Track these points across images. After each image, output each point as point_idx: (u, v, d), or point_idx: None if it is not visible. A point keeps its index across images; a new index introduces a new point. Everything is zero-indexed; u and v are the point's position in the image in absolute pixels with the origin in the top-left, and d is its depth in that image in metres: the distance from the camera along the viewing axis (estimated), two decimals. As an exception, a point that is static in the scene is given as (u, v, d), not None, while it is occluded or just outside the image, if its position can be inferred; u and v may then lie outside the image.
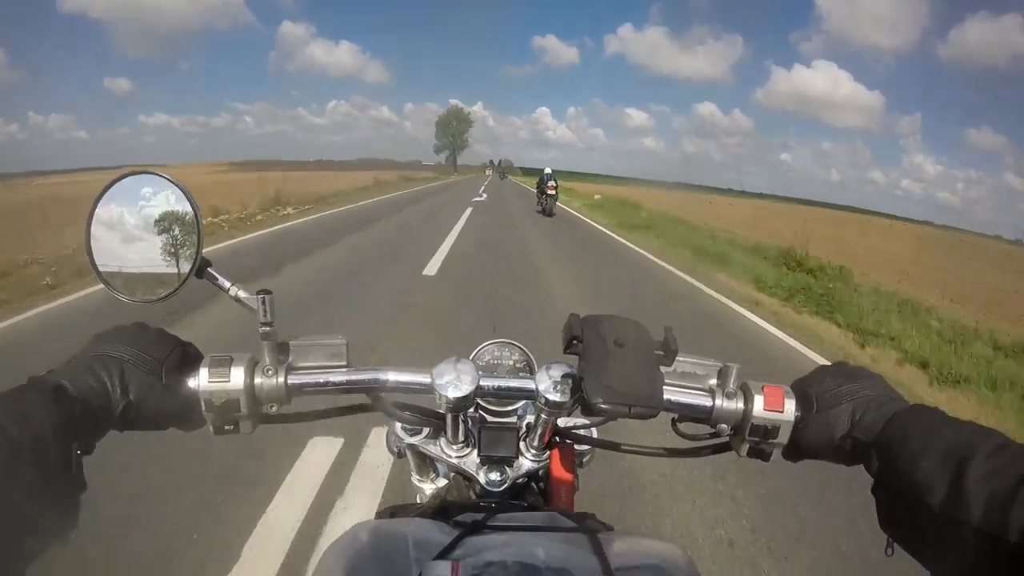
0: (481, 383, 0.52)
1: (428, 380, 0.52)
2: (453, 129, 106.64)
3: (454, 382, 0.51)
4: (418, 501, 0.74)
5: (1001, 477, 0.36)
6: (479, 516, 0.55)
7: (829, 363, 0.54)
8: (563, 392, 0.51)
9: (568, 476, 0.64)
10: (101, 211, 0.53)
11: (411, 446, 0.68)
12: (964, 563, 0.36)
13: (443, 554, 0.48)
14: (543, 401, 0.52)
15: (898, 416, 0.45)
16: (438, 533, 0.52)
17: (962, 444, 0.39)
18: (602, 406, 0.45)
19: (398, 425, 0.68)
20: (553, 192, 15.85)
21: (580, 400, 0.48)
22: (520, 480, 0.66)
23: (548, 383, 0.52)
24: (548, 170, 16.44)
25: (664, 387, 0.49)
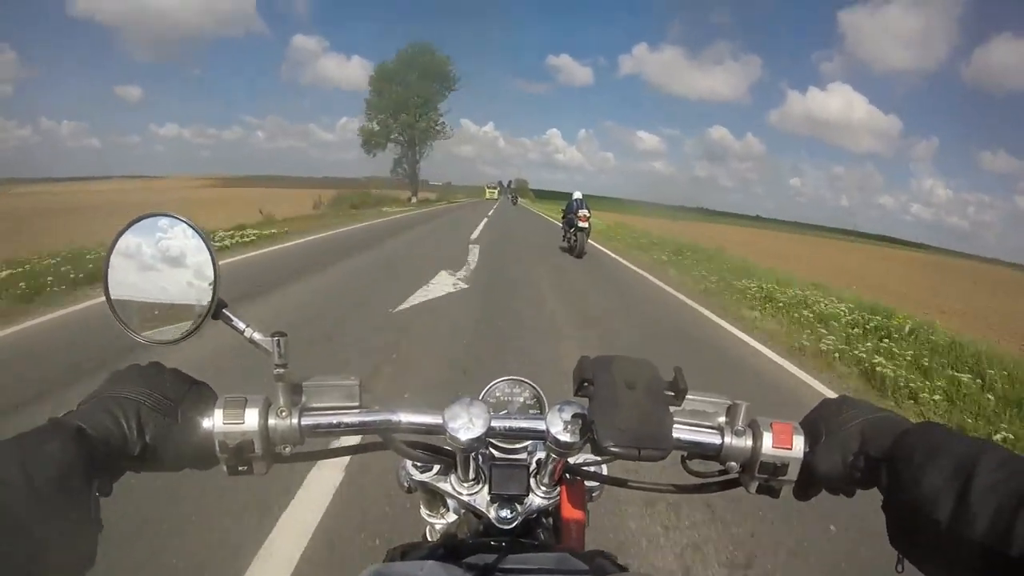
0: (492, 424, 0.54)
1: (439, 421, 0.53)
2: (413, 91, 47.20)
3: (465, 423, 0.53)
4: (427, 536, 0.74)
5: (1005, 491, 0.37)
6: (490, 557, 0.56)
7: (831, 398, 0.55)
8: (573, 433, 0.52)
9: (578, 513, 0.65)
10: (118, 253, 0.55)
11: (421, 483, 0.69)
12: None
13: None
14: (553, 442, 0.53)
15: (907, 433, 0.46)
16: None
17: (967, 458, 0.40)
18: (612, 449, 0.46)
19: (408, 463, 0.69)
20: (586, 224, 11.94)
21: (591, 442, 0.49)
22: (531, 517, 0.67)
23: (559, 424, 0.53)
24: (578, 194, 12.73)
25: (674, 426, 0.50)
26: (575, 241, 12.29)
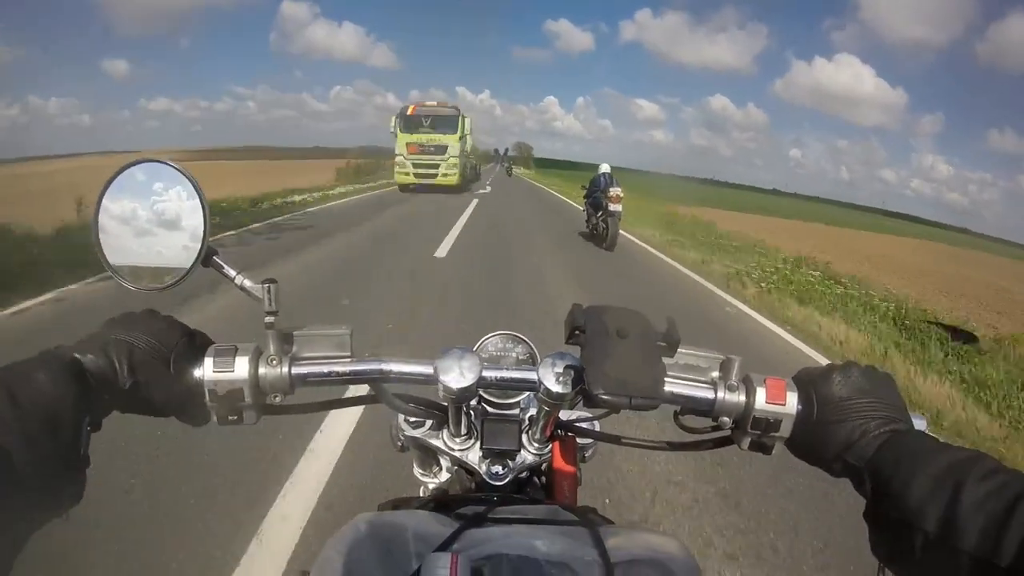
0: (483, 374, 0.55)
1: (431, 371, 0.54)
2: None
3: (457, 373, 0.54)
4: (422, 495, 0.76)
5: (994, 502, 0.37)
6: (480, 509, 0.57)
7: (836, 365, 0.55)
8: (565, 383, 0.53)
9: (570, 470, 0.67)
10: (108, 199, 0.56)
11: (414, 439, 0.71)
12: None
13: (443, 546, 0.50)
14: (545, 392, 0.54)
15: (892, 440, 0.47)
16: (439, 526, 0.54)
17: (954, 469, 0.41)
18: (603, 396, 0.47)
19: (401, 418, 0.71)
20: (618, 207, 9.35)
21: (582, 391, 0.51)
22: (522, 474, 0.69)
23: (550, 374, 0.54)
24: (605, 168, 10.25)
25: (666, 379, 0.52)
26: (604, 228, 9.63)
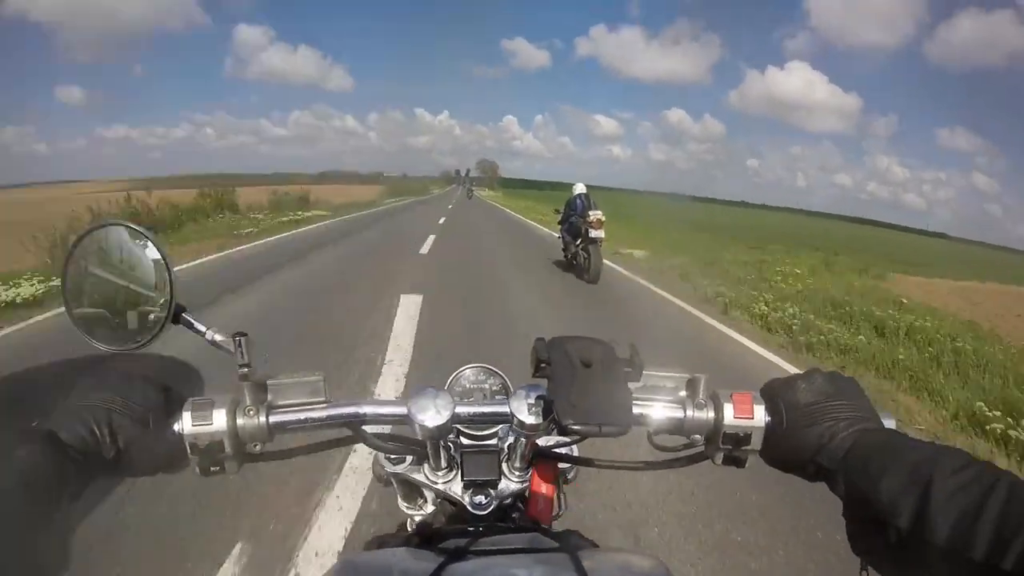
0: (457, 410, 0.56)
1: (404, 411, 0.55)
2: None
3: (432, 411, 0.55)
4: (408, 528, 0.77)
5: (965, 495, 0.38)
6: (463, 542, 0.59)
7: (800, 372, 0.56)
8: (537, 414, 0.55)
9: (549, 494, 0.68)
10: (74, 264, 0.58)
11: (396, 475, 0.72)
12: None
13: None
14: (518, 424, 0.56)
15: (860, 441, 0.48)
16: (421, 562, 0.55)
17: (924, 464, 0.41)
18: (573, 427, 0.49)
19: (382, 456, 0.71)
20: (600, 233, 8.20)
21: (554, 421, 0.52)
22: (506, 501, 0.71)
23: (522, 406, 0.55)
24: (580, 188, 9.15)
25: (634, 402, 0.54)
26: (585, 258, 8.38)
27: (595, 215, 8.20)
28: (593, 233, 8.15)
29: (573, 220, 8.85)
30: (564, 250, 9.46)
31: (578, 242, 8.68)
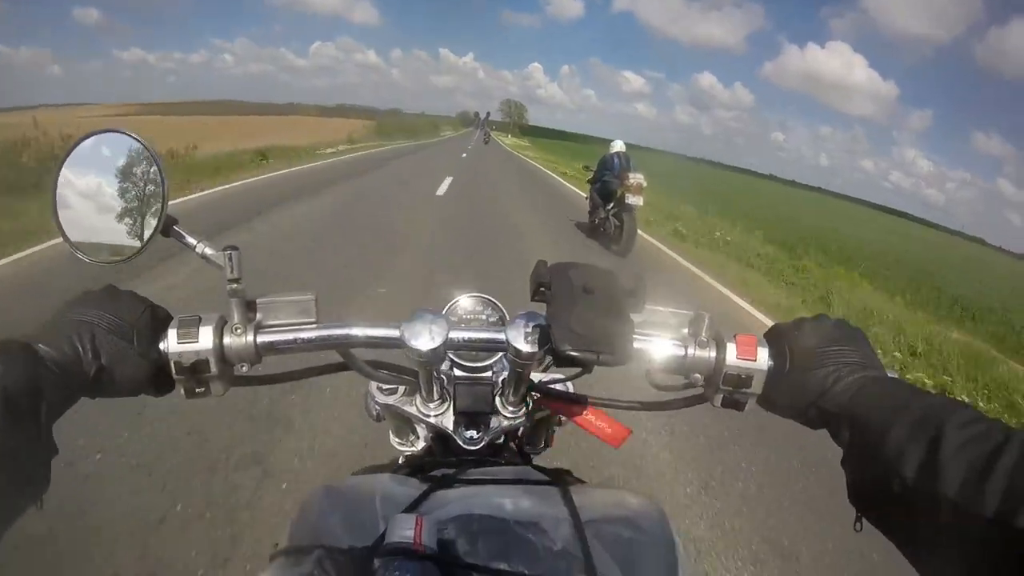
0: (451, 335, 0.55)
1: (398, 334, 0.55)
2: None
3: (426, 336, 0.54)
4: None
5: (976, 449, 0.38)
6: (450, 471, 0.59)
7: (808, 316, 0.56)
8: (533, 343, 0.54)
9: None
10: (66, 172, 0.56)
11: (387, 406, 0.72)
12: (937, 537, 0.39)
13: (409, 509, 0.52)
14: (514, 352, 0.55)
15: (868, 386, 0.47)
16: (406, 489, 0.56)
17: (933, 416, 0.41)
18: (570, 353, 0.48)
19: (374, 386, 0.72)
20: (638, 199, 7.27)
21: (550, 350, 0.51)
22: (498, 439, 0.71)
23: (519, 334, 0.54)
24: (619, 145, 8.29)
25: (635, 336, 0.53)
26: (616, 226, 7.50)
27: (635, 178, 7.25)
28: (630, 199, 7.25)
29: (607, 180, 7.94)
30: (591, 213, 8.53)
31: (609, 206, 7.79)
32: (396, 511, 0.50)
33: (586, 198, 8.92)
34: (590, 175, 8.81)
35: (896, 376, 0.49)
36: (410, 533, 0.44)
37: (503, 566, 0.46)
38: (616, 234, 7.57)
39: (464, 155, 27.31)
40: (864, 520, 0.46)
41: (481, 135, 48.05)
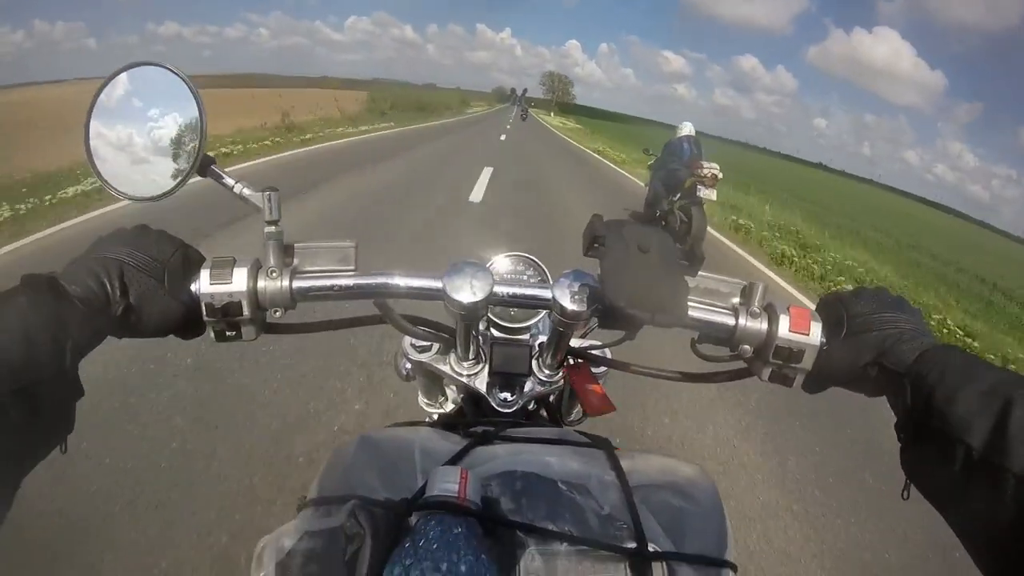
0: (495, 290, 0.54)
1: (439, 285, 0.53)
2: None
3: (467, 289, 0.52)
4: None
5: None
6: (490, 429, 0.57)
7: (868, 287, 0.55)
8: (581, 302, 0.52)
9: (580, 397, 0.66)
10: (101, 104, 0.55)
11: (420, 364, 0.71)
12: (996, 509, 0.37)
13: (451, 462, 0.50)
14: (560, 311, 0.53)
15: (932, 351, 0.46)
16: (447, 443, 0.54)
17: (1002, 387, 0.40)
18: (626, 310, 0.46)
19: (407, 342, 0.70)
20: (711, 192, 6.30)
21: (598, 311, 0.50)
22: (530, 404, 0.69)
23: (566, 292, 0.53)
24: (688, 128, 7.36)
25: (687, 301, 0.51)
26: (683, 221, 6.53)
27: (710, 168, 6.19)
28: (703, 192, 6.25)
29: (674, 168, 6.89)
30: (650, 205, 7.44)
31: (675, 197, 6.76)
32: (436, 464, 0.49)
33: (645, 186, 8.04)
34: (651, 160, 7.92)
35: (957, 346, 0.48)
36: (454, 487, 0.42)
37: (549, 526, 0.45)
38: (683, 230, 6.48)
39: (496, 146, 19.70)
40: (913, 488, 0.45)
41: (519, 112, 44.64)
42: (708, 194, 6.22)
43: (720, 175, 6.22)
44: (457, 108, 48.14)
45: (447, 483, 0.43)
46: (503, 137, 21.78)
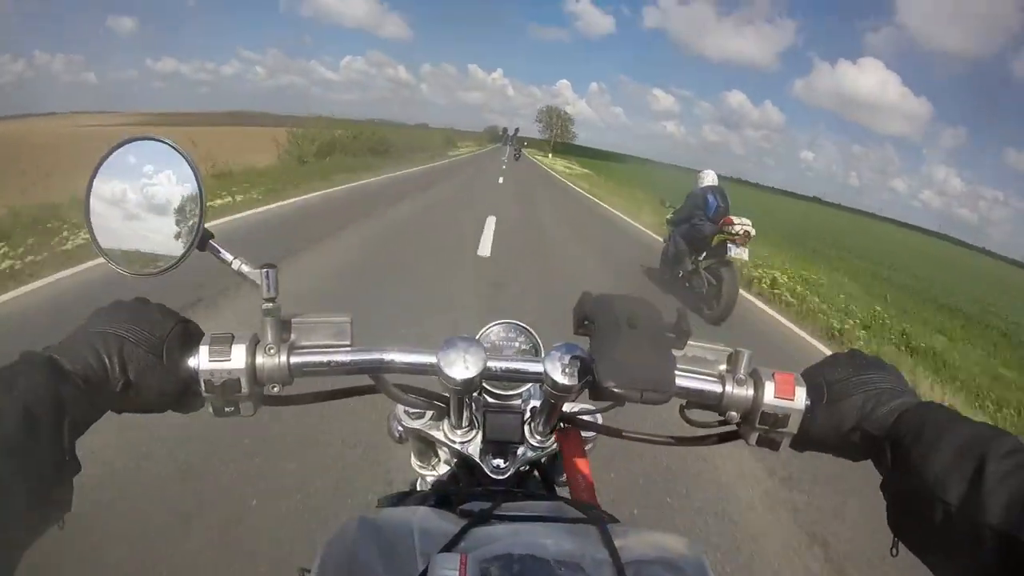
0: (488, 364, 0.55)
1: (434, 361, 0.54)
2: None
3: (461, 364, 0.54)
4: (418, 488, 0.76)
5: (1019, 478, 0.38)
6: (484, 505, 0.58)
7: (842, 352, 0.57)
8: (571, 375, 0.53)
9: (582, 463, 0.67)
10: (100, 179, 0.56)
11: (413, 430, 0.72)
12: (977, 564, 0.38)
13: (449, 545, 0.50)
14: (551, 384, 0.54)
15: (910, 411, 0.47)
16: (444, 523, 0.54)
17: (977, 443, 0.41)
18: (615, 390, 0.47)
19: (400, 409, 0.71)
20: (743, 252, 5.68)
21: (588, 384, 0.50)
22: (524, 468, 0.70)
23: (556, 365, 0.54)
24: (711, 177, 6.48)
25: (676, 373, 0.52)
26: (712, 283, 5.87)
27: (741, 224, 5.57)
28: (734, 251, 5.60)
29: (698, 224, 6.17)
30: (671, 264, 6.71)
31: (701, 257, 6.16)
32: (434, 547, 0.49)
33: (664, 242, 7.19)
34: (670, 213, 7.13)
35: (936, 402, 0.49)
36: (455, 574, 0.42)
37: None
38: (711, 294, 5.84)
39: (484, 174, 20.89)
40: (901, 546, 0.46)
41: (511, 152, 43.83)
42: (740, 253, 5.63)
43: (753, 232, 5.62)
44: (437, 150, 37.65)
45: (447, 570, 0.43)
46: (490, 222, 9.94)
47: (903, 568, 0.58)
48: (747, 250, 5.70)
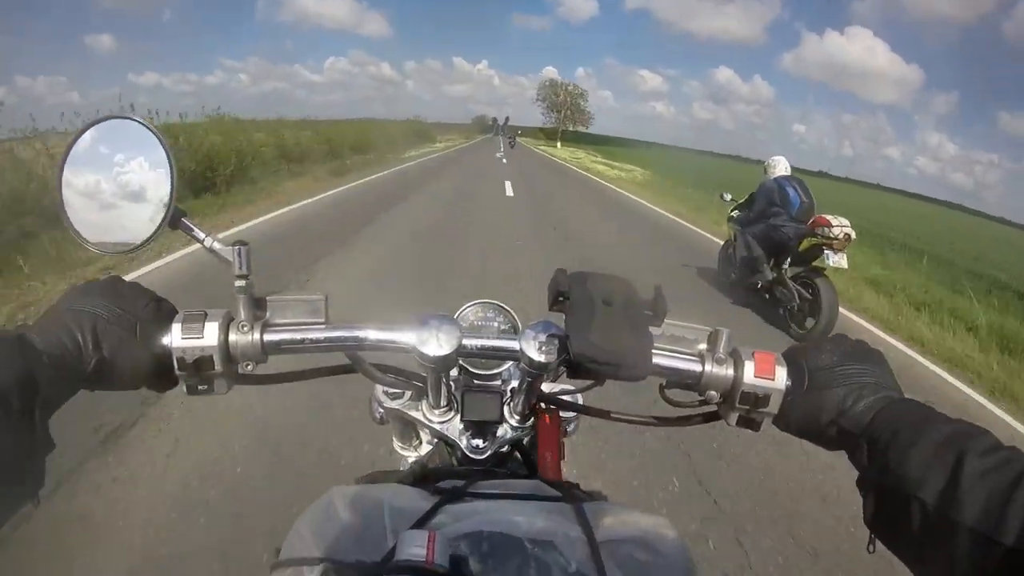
0: (464, 343, 0.55)
1: (409, 339, 0.55)
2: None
3: (435, 342, 0.54)
4: (401, 469, 0.77)
5: (996, 477, 0.38)
6: (460, 483, 0.58)
7: (826, 337, 0.56)
8: (547, 353, 0.53)
9: (552, 444, 0.67)
10: (73, 158, 0.56)
11: (392, 411, 0.72)
12: (953, 563, 0.39)
13: (420, 522, 0.51)
14: (527, 362, 0.55)
15: (889, 407, 0.48)
16: (417, 500, 0.55)
17: (954, 440, 0.41)
18: (588, 365, 0.47)
19: (379, 390, 0.72)
20: (842, 260, 4.64)
21: (565, 361, 0.51)
22: (504, 448, 0.70)
23: (532, 343, 0.54)
24: (783, 166, 5.50)
25: (653, 351, 0.52)
26: (805, 297, 4.86)
27: (841, 227, 4.65)
28: (832, 259, 4.70)
29: (778, 224, 5.14)
30: (746, 270, 5.56)
31: (785, 263, 5.16)
32: (405, 524, 0.50)
33: (730, 243, 6.09)
34: (732, 208, 6.20)
35: (915, 399, 0.49)
36: (422, 551, 0.43)
37: None
38: (803, 308, 4.88)
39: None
40: (878, 543, 0.46)
41: (505, 141, 42.11)
42: (839, 261, 4.68)
43: (854, 235, 4.68)
44: (396, 149, 24.78)
45: (415, 547, 0.43)
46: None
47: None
48: (845, 256, 4.74)
